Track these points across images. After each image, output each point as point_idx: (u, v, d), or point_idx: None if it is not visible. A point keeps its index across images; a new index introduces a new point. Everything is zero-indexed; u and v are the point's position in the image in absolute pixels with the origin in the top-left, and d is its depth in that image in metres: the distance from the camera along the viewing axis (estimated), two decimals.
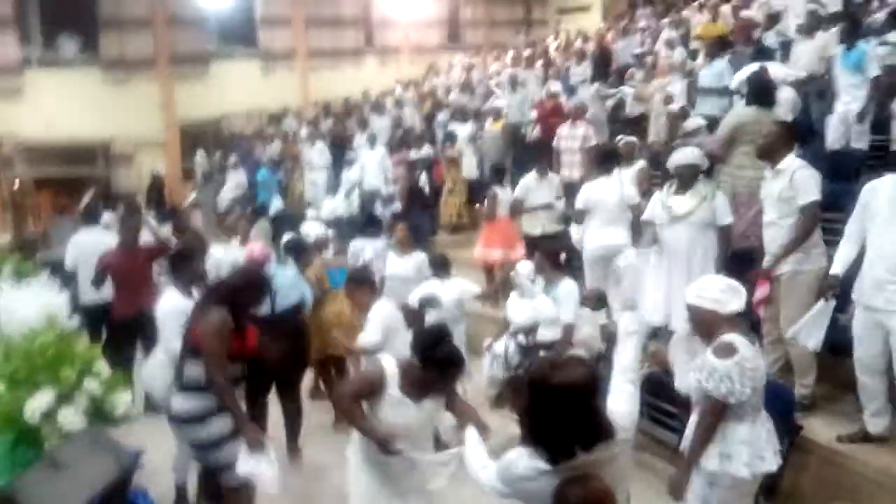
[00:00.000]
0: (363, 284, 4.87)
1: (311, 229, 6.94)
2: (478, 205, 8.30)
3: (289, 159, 13.66)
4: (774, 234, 4.26)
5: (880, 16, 8.70)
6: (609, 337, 5.26)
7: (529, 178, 7.35)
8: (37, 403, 2.88)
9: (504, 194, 7.70)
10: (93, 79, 14.83)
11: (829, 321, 3.85)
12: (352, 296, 4.86)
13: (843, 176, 5.82)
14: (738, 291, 3.05)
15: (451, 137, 10.48)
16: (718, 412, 2.96)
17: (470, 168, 10.45)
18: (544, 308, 4.93)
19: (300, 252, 5.72)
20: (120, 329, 6.17)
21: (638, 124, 9.76)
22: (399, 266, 5.98)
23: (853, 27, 7.20)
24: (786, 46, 8.92)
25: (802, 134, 5.56)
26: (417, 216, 9.84)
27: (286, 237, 6.14)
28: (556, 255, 5.07)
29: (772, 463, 3.03)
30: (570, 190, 7.59)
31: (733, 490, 3.00)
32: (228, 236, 7.42)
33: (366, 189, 10.81)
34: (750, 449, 2.96)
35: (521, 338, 5.13)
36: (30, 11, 14.36)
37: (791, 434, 3.84)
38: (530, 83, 12.20)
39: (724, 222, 4.85)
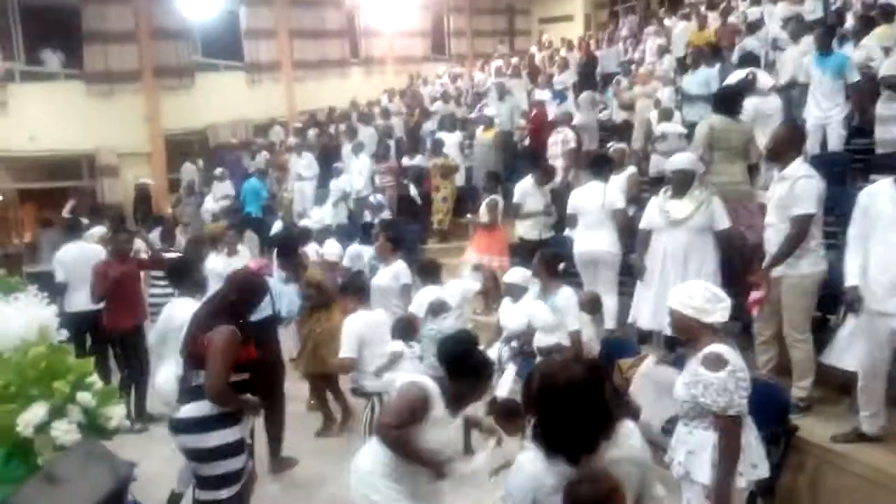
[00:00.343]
0: (347, 292, 4.91)
1: (330, 249, 7.23)
2: (469, 214, 8.30)
3: (276, 169, 13.64)
4: (772, 236, 4.27)
5: (851, 22, 8.87)
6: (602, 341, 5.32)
7: (527, 184, 7.39)
8: (29, 417, 2.82)
9: (501, 202, 7.74)
10: (77, 92, 14.71)
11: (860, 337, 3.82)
12: (343, 303, 4.88)
13: (829, 180, 5.88)
14: (723, 302, 2.99)
15: (438, 145, 10.49)
16: (732, 425, 2.86)
17: (458, 176, 10.49)
18: (540, 314, 4.92)
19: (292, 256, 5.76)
20: (115, 342, 6.17)
21: (623, 131, 9.88)
22: (379, 275, 5.99)
23: (829, 33, 7.32)
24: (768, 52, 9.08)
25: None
26: (407, 225, 9.85)
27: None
28: (554, 262, 5.06)
29: (764, 469, 3.01)
30: (555, 195, 7.66)
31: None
32: (215, 247, 7.40)
33: (354, 198, 10.83)
34: (743, 457, 2.93)
35: (515, 343, 5.14)
36: (13, 25, 14.24)
37: (787, 435, 3.85)
38: (517, 92, 12.30)
39: (721, 227, 4.87)
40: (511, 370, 4.89)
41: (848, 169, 6.53)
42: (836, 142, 6.99)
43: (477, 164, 10.35)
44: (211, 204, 12.46)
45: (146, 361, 6.09)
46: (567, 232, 6.52)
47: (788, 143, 4.29)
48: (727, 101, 5.69)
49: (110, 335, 6.13)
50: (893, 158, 6.07)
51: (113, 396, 3.16)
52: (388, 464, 2.98)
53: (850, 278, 3.77)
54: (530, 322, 5.04)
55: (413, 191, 10.58)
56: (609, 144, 8.19)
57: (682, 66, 10.63)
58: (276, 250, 6.48)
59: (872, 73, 7.19)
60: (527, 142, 10.90)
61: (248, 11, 17.18)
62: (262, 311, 4.84)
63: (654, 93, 9.51)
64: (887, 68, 6.67)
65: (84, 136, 14.39)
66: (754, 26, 10.40)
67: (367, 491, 3.02)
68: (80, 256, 6.50)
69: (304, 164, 12.32)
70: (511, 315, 5.23)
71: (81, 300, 6.26)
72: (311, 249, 7.52)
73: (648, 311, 5.08)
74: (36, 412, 2.85)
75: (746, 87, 6.71)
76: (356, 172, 11.20)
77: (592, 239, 5.93)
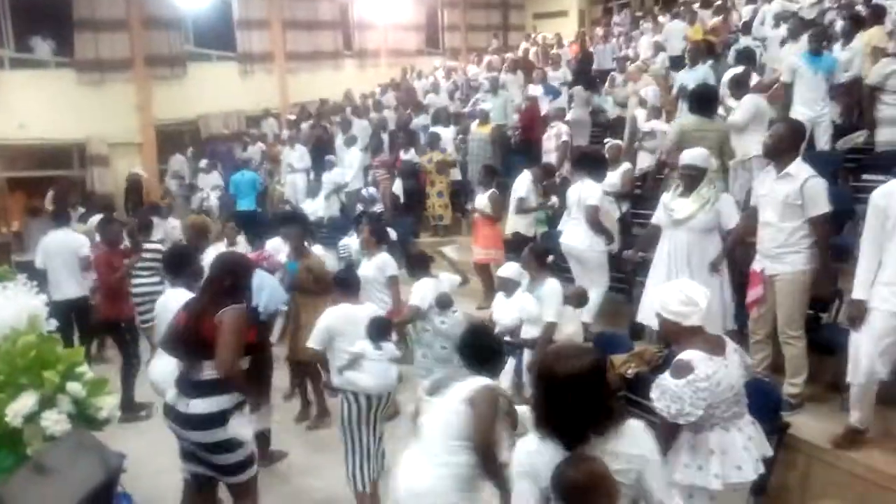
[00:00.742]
0: (332, 283, 4.96)
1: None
2: (469, 206, 8.28)
3: (269, 161, 13.57)
4: (772, 235, 4.22)
5: (839, 22, 8.89)
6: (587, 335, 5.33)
7: (527, 180, 7.38)
8: (19, 406, 2.80)
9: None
10: (67, 80, 14.57)
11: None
12: (333, 296, 4.87)
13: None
14: (698, 305, 2.94)
15: (435, 139, 10.43)
16: (670, 428, 2.91)
17: (454, 170, 10.47)
18: (528, 306, 4.93)
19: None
20: (106, 331, 6.18)
21: (617, 127, 9.89)
22: (363, 267, 5.99)
23: (824, 33, 7.33)
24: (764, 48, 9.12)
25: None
26: (400, 218, 9.83)
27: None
28: (544, 255, 5.06)
29: (750, 472, 2.97)
30: (551, 188, 7.66)
31: (713, 502, 2.96)
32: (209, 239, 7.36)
33: (347, 191, 10.79)
34: (721, 459, 2.92)
35: (508, 338, 5.13)
36: (2, 12, 14.09)
37: (779, 432, 3.86)
38: (511, 87, 12.28)
39: (730, 226, 4.73)
40: (510, 364, 4.88)
41: (840, 168, 6.54)
42: (825, 141, 7.01)
43: (472, 159, 10.32)
44: (205, 194, 12.40)
45: (137, 353, 6.07)
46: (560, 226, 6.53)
47: (789, 141, 4.26)
48: (701, 100, 5.67)
49: (105, 325, 6.14)
50: (889, 158, 6.08)
51: (103, 386, 3.14)
52: (464, 478, 2.91)
53: (859, 290, 3.62)
54: (521, 317, 5.04)
55: (398, 186, 10.51)
56: (605, 140, 8.18)
57: (675, 64, 10.67)
58: (282, 226, 6.51)
59: (857, 76, 7.26)
60: (519, 137, 10.88)
61: (241, 1, 17.06)
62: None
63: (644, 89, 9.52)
64: (874, 76, 6.64)
65: (74, 125, 14.27)
66: (749, 25, 10.43)
67: None
68: (62, 244, 6.55)
69: (296, 157, 12.27)
70: (504, 310, 5.22)
71: (63, 288, 6.26)
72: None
73: (650, 309, 5.02)
74: (25, 402, 2.82)
75: (743, 84, 6.70)
76: (348, 165, 11.18)
77: (570, 234, 6.02)
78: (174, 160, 15.04)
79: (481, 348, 3.20)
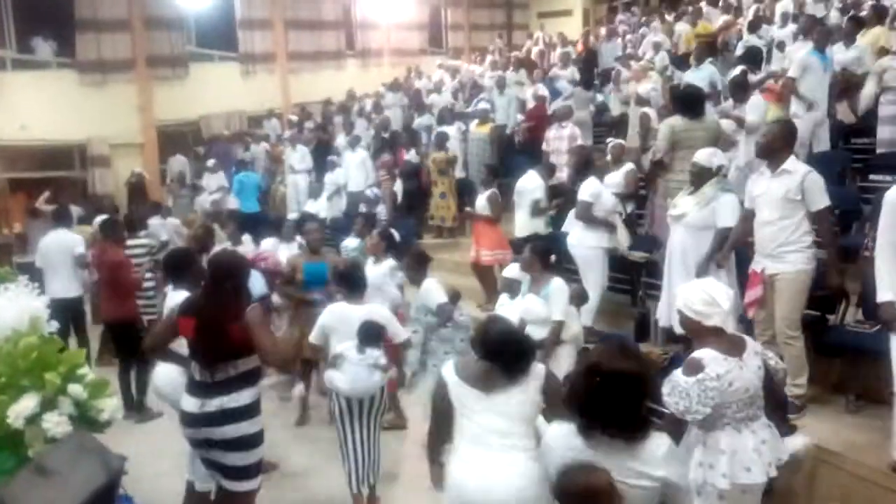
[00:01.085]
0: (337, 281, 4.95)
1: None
2: (467, 208, 8.25)
3: (271, 162, 13.55)
4: (772, 234, 4.21)
5: (838, 22, 8.88)
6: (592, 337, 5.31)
7: (538, 180, 7.35)
8: (20, 408, 2.78)
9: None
10: (69, 80, 14.57)
11: None
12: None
13: (828, 180, 5.88)
14: (720, 306, 2.92)
15: (442, 139, 10.32)
16: (676, 425, 2.89)
17: (457, 168, 10.45)
18: (534, 307, 4.89)
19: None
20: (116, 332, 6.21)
21: (620, 126, 9.86)
22: (370, 271, 5.96)
23: (827, 33, 7.33)
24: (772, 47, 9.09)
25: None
26: (402, 220, 9.80)
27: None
28: (546, 254, 5.03)
29: (759, 475, 2.95)
30: (559, 190, 7.62)
31: (722, 501, 2.94)
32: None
33: (350, 191, 10.77)
34: (731, 459, 2.91)
35: None
36: (4, 12, 14.09)
37: (785, 434, 3.83)
38: (516, 86, 12.24)
39: (721, 224, 4.71)
40: None
41: (847, 168, 6.52)
42: (826, 140, 7.00)
43: (471, 159, 10.29)
44: (207, 196, 12.38)
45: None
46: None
47: (783, 140, 4.29)
48: (687, 101, 5.70)
49: (115, 325, 6.16)
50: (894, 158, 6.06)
51: (105, 388, 3.12)
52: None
53: (885, 292, 3.52)
54: (523, 318, 5.00)
55: (398, 187, 10.46)
56: (608, 140, 8.15)
57: (676, 63, 10.64)
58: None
59: (850, 75, 7.24)
60: (524, 136, 10.84)
61: (243, 1, 17.04)
62: None
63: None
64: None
65: (76, 125, 14.26)
66: (755, 25, 10.40)
67: None
68: (59, 244, 6.63)
69: (297, 157, 12.25)
70: (508, 312, 5.19)
71: (58, 287, 6.28)
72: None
73: (664, 308, 5.01)
74: (27, 404, 2.80)
75: (742, 86, 6.68)
76: (353, 166, 11.12)
77: (571, 233, 6.16)
78: (174, 161, 15.01)
79: (511, 343, 2.95)
